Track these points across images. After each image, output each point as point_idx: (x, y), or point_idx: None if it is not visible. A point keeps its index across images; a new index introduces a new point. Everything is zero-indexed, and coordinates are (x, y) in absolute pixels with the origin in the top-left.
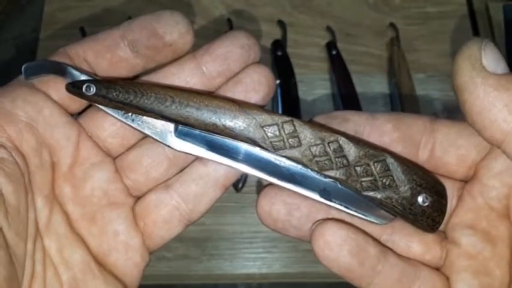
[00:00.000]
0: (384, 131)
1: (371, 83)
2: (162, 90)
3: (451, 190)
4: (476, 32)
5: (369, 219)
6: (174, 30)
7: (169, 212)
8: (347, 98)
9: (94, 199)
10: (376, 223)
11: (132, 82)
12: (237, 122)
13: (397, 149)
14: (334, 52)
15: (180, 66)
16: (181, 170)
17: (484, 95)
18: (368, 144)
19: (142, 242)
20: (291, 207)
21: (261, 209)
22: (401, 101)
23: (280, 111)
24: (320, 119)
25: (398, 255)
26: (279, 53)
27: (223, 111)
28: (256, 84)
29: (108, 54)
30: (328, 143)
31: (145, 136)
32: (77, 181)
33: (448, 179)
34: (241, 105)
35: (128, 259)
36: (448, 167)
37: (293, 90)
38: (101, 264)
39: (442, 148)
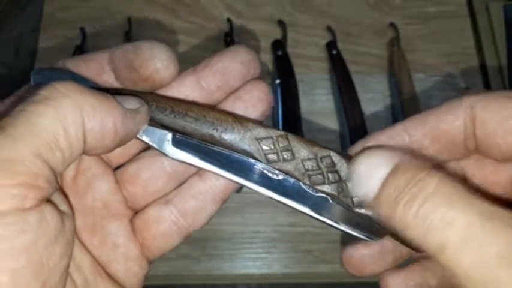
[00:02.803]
0: (424, 146)
1: (371, 82)
2: (162, 100)
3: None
4: (476, 32)
5: (359, 235)
6: (150, 64)
7: (168, 227)
8: (347, 98)
9: (95, 210)
10: (366, 240)
11: (135, 91)
12: (232, 134)
13: (443, 156)
14: (334, 52)
15: (181, 80)
16: (180, 185)
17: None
18: None
19: (141, 253)
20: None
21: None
22: (402, 101)
23: (280, 111)
24: (355, 151)
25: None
26: (279, 53)
27: (220, 122)
28: (256, 101)
29: (93, 78)
30: (321, 158)
31: (146, 148)
32: (80, 191)
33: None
34: (238, 118)
35: (128, 269)
36: (496, 157)
37: (293, 90)
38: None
39: (484, 146)
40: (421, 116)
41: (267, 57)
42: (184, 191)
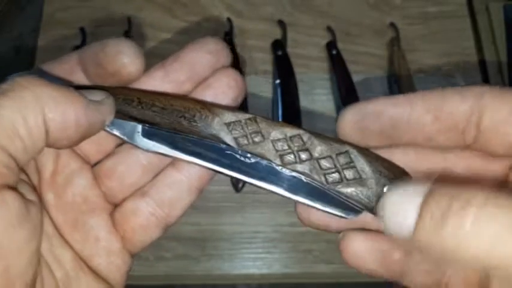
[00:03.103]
0: (424, 124)
1: (371, 82)
2: (129, 92)
3: (500, 168)
4: (476, 32)
5: (335, 213)
6: (115, 60)
7: (146, 219)
8: (347, 97)
9: (75, 206)
10: (343, 217)
11: (103, 86)
12: (201, 120)
13: (440, 138)
14: (334, 52)
15: (150, 74)
16: (156, 176)
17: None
18: (330, 137)
19: (122, 246)
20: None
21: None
22: None
23: (280, 111)
24: (350, 113)
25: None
26: (279, 53)
27: (187, 110)
28: (226, 88)
29: (65, 78)
30: (291, 137)
31: (121, 144)
32: (59, 188)
33: (497, 158)
34: (206, 104)
35: (110, 263)
36: (495, 152)
37: (293, 90)
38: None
39: (487, 136)
40: (428, 92)
41: (267, 57)
42: (159, 182)
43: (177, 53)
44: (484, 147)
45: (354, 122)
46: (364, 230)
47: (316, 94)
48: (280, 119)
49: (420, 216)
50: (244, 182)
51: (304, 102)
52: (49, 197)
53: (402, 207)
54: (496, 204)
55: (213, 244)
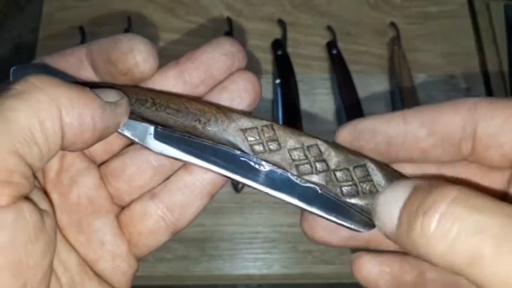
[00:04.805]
0: (419, 137)
1: (371, 82)
2: (142, 92)
3: (501, 181)
4: (477, 32)
5: (349, 226)
6: (128, 58)
7: (155, 223)
8: (347, 97)
9: (80, 207)
10: (357, 230)
11: (114, 84)
12: (216, 125)
13: (436, 152)
14: (334, 51)
15: (163, 74)
16: (167, 179)
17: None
18: (347, 149)
19: (128, 250)
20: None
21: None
22: (402, 101)
23: (280, 111)
24: (344, 133)
25: (437, 269)
26: (279, 53)
27: (202, 113)
28: (242, 91)
29: (72, 73)
30: (308, 147)
31: (130, 144)
32: (64, 188)
33: (496, 170)
34: (222, 109)
35: (115, 267)
36: (492, 162)
37: (293, 90)
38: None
39: (483, 147)
40: (421, 107)
41: (267, 57)
42: (170, 185)
43: (191, 52)
44: (481, 159)
45: (349, 141)
46: (376, 252)
47: (316, 94)
48: (280, 119)
49: (400, 215)
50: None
51: (305, 102)
52: (54, 198)
53: (389, 207)
54: (464, 205)
55: (213, 245)
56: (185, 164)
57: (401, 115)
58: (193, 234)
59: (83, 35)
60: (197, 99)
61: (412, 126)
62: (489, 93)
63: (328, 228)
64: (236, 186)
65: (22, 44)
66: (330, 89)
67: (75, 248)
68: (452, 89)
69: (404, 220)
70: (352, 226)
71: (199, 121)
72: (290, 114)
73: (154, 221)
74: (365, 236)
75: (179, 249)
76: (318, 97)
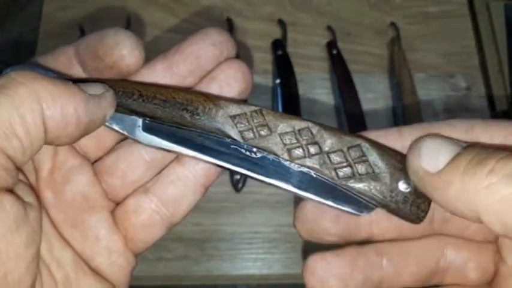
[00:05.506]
0: None
1: (371, 82)
2: (130, 85)
3: None
4: (477, 32)
5: (347, 210)
6: (114, 51)
7: (149, 217)
8: (347, 97)
9: (74, 204)
10: (355, 214)
11: (101, 79)
12: (204, 113)
13: None
14: (334, 51)
15: (151, 67)
16: (159, 172)
17: (435, 197)
18: (340, 130)
19: (125, 245)
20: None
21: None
22: (402, 101)
23: (280, 110)
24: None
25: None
26: (279, 53)
27: (190, 102)
28: (232, 80)
29: (63, 72)
30: (299, 131)
31: (123, 139)
32: (57, 186)
33: None
34: (209, 97)
35: (112, 263)
36: None
37: (293, 90)
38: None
39: None
40: (419, 124)
41: (267, 57)
42: (163, 178)
43: (179, 44)
44: None
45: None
46: (326, 254)
47: (316, 94)
48: None
49: (453, 160)
50: (244, 182)
51: (304, 102)
52: (48, 196)
53: (439, 149)
54: None
55: (213, 244)
56: (177, 157)
57: (398, 130)
58: (193, 234)
59: (83, 35)
60: (185, 89)
61: (408, 142)
62: (489, 93)
63: (323, 226)
64: (236, 185)
65: (22, 43)
66: (330, 89)
67: (71, 244)
68: (452, 89)
69: (459, 165)
70: (350, 210)
71: (187, 110)
72: (290, 114)
73: (149, 215)
74: (360, 231)
75: (179, 249)
76: (318, 97)
